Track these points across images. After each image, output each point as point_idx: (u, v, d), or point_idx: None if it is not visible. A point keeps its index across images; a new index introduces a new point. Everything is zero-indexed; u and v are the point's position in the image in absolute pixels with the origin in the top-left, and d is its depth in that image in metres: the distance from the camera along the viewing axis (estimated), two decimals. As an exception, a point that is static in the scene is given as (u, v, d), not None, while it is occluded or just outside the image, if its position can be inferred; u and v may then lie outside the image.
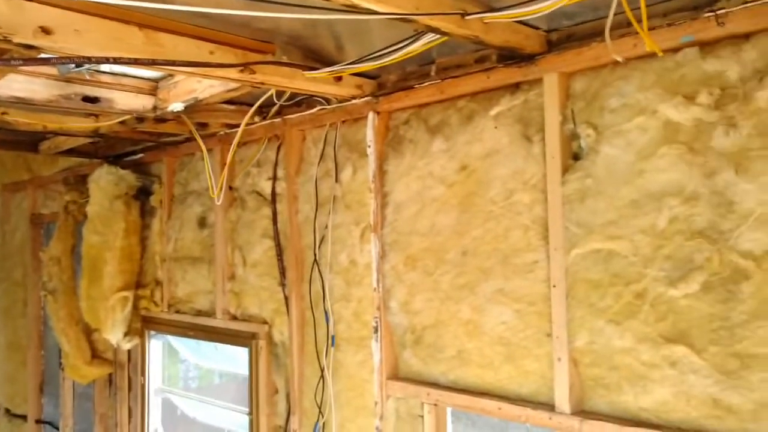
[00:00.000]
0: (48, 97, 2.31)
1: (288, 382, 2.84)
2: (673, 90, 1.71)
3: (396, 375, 2.40)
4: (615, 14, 1.63)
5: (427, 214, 2.29)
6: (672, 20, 1.67)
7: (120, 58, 1.73)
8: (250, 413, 2.97)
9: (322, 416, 2.65)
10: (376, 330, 2.41)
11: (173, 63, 1.83)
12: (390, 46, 1.95)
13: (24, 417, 4.98)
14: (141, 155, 3.80)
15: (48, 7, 1.60)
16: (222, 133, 3.11)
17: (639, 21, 1.52)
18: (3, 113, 2.62)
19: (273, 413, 2.93)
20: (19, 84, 2.22)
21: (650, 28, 1.66)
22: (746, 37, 1.60)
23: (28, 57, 1.67)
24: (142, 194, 3.75)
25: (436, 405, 2.24)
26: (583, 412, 1.87)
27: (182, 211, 3.51)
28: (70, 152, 3.71)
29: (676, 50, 1.70)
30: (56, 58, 1.72)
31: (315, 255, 2.70)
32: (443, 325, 2.24)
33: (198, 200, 3.41)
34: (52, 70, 2.24)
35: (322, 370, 2.65)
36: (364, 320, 2.51)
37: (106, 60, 1.71)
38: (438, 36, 1.78)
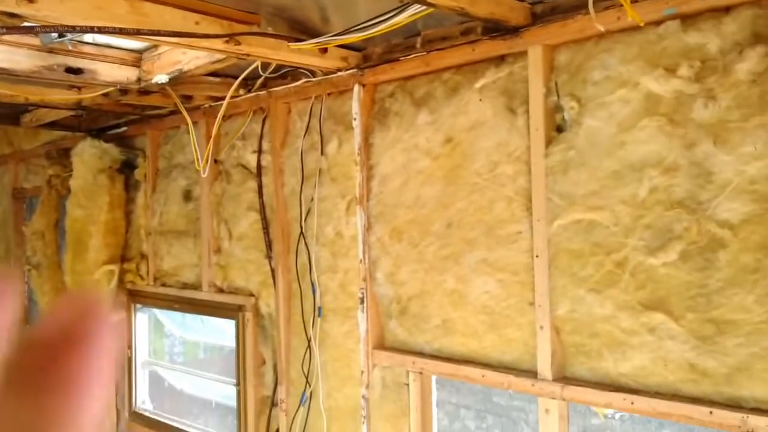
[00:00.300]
0: (30, 68, 2.29)
1: (275, 353, 2.88)
2: (654, 62, 1.73)
3: (382, 345, 2.44)
4: (599, -14, 1.66)
5: (413, 186, 2.31)
6: (655, -7, 1.69)
7: (104, 27, 1.72)
8: (238, 384, 3.01)
9: (309, 386, 2.69)
10: (362, 301, 2.44)
11: (158, 33, 1.83)
12: (375, 17, 1.95)
13: (10, 391, 4.98)
14: (125, 128, 3.78)
15: (31, -25, 1.58)
16: (207, 105, 3.10)
17: (622, -7, 1.54)
18: (-16, 85, 2.59)
19: (260, 384, 2.97)
20: (1, 54, 2.20)
21: (634, 1, 1.68)
22: (726, 10, 1.62)
23: (11, 25, 1.65)
24: (126, 168, 3.74)
25: (421, 373, 2.29)
26: (564, 378, 1.92)
27: (167, 185, 3.50)
28: (53, 125, 3.68)
29: (658, 23, 1.72)
30: (40, 26, 1.71)
31: (301, 227, 2.72)
32: (428, 296, 2.27)
33: (183, 174, 3.40)
34: (34, 41, 2.22)
35: (309, 341, 2.69)
36: (350, 291, 2.54)
37: (91, 29, 1.70)
38: (424, 7, 1.79)
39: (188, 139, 3.13)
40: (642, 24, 1.67)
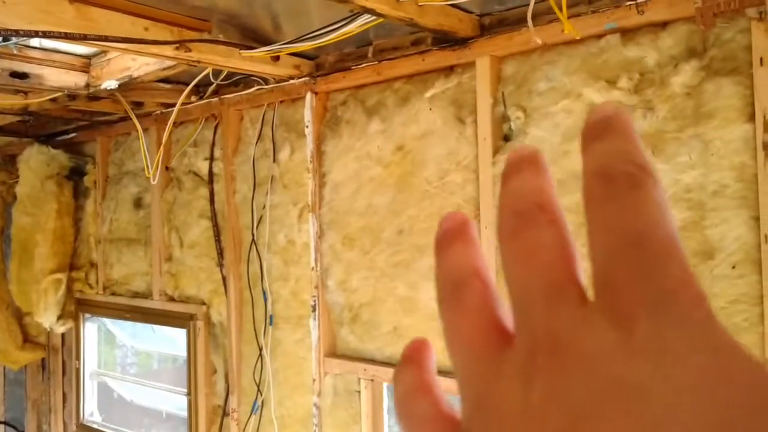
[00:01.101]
0: (-27, 72, 2.23)
1: (226, 362, 2.85)
2: (596, 74, 1.79)
3: (333, 352, 2.44)
4: (542, 0, 1.71)
5: (364, 193, 2.33)
6: (596, 8, 1.75)
7: (49, 32, 1.69)
8: (189, 394, 2.97)
9: (261, 394, 2.68)
10: (314, 308, 2.44)
11: (106, 39, 1.81)
12: (327, 26, 1.97)
13: (-49, 405, 4.82)
14: (74, 135, 3.70)
15: (-28, -23, 1.55)
16: (158, 112, 3.07)
17: (560, 8, 1.59)
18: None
19: (212, 393, 2.94)
20: (-58, 58, 2.14)
21: (576, 15, 1.74)
22: (663, 25, 1.69)
23: (-49, 29, 1.62)
24: (75, 175, 3.66)
25: (372, 380, 2.30)
26: (511, 382, 1.95)
27: (117, 192, 3.45)
28: (-2, 131, 3.59)
29: (599, 36, 1.78)
30: (-19, 30, 1.68)
31: (253, 235, 2.71)
32: (379, 302, 2.29)
33: (134, 181, 3.35)
34: (-23, 44, 2.17)
35: (261, 349, 2.67)
36: (302, 299, 2.54)
37: (35, 33, 1.68)
38: (374, 17, 1.81)
39: (139, 146, 3.09)
40: (578, 36, 1.72)
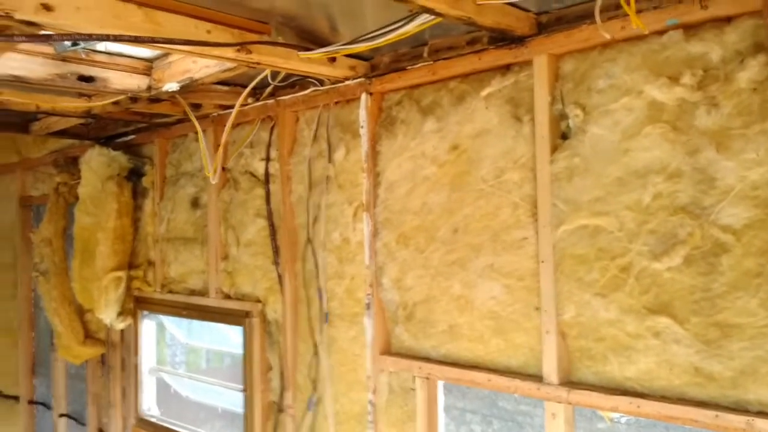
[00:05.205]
0: (44, 76, 2.33)
1: (281, 358, 2.90)
2: (658, 71, 1.77)
3: (388, 350, 2.46)
4: (603, -3, 1.70)
5: (419, 193, 2.34)
6: (658, 3, 1.73)
7: (120, 35, 1.76)
8: (245, 390, 3.03)
9: (316, 391, 2.71)
10: (368, 306, 2.47)
11: (172, 41, 1.87)
12: (384, 27, 1.99)
13: (16, 398, 5.01)
14: (132, 137, 3.82)
15: (50, -16, 1.62)
16: (215, 114, 3.14)
17: (627, 2, 1.58)
18: (-2, 93, 2.64)
19: (267, 389, 2.99)
20: (16, 62, 2.24)
21: (638, 11, 1.71)
22: (728, 20, 1.66)
23: (29, 33, 1.69)
24: (134, 175, 3.78)
25: (427, 378, 2.31)
26: (570, 382, 1.94)
27: (175, 192, 3.54)
28: (61, 133, 3.72)
29: (661, 33, 1.76)
30: (57, 35, 1.75)
31: (308, 234, 2.75)
32: (434, 301, 2.30)
33: (191, 181, 3.44)
34: (48, 49, 2.26)
35: (316, 347, 2.71)
36: (356, 297, 2.56)
37: (107, 37, 1.74)
38: (431, 17, 1.83)
39: (196, 147, 3.17)
40: (645, 30, 1.70)
